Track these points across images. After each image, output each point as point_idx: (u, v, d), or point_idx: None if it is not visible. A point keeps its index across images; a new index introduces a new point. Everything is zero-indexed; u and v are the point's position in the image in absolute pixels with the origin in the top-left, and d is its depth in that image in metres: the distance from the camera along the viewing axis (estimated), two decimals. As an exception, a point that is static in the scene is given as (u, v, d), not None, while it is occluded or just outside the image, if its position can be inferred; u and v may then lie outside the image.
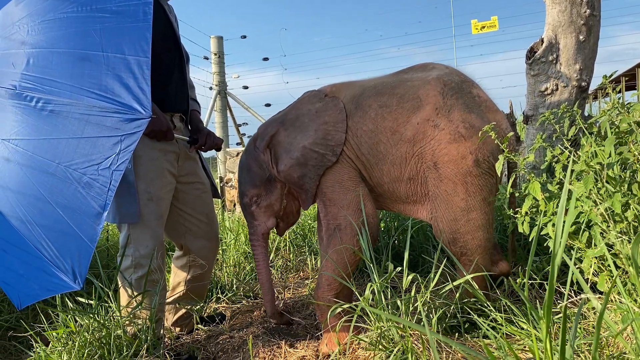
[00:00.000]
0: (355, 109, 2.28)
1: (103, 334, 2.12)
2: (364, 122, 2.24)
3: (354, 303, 2.08)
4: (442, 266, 2.02)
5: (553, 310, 1.79)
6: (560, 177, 1.90)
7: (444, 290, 2.02)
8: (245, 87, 9.79)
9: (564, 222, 0.94)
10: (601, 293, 1.72)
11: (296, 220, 2.63)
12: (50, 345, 2.15)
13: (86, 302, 2.26)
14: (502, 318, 1.82)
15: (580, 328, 1.64)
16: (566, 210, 1.09)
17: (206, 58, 8.72)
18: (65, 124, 1.91)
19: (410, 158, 2.18)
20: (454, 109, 2.14)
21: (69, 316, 2.17)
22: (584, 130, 1.92)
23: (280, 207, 2.48)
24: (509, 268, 2.35)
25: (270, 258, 3.81)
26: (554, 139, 2.34)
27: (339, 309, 2.04)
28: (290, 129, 2.36)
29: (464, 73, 2.32)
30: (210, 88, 8.72)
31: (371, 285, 1.97)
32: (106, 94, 1.87)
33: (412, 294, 1.97)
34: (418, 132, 2.15)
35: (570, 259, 1.28)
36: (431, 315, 1.92)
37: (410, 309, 1.97)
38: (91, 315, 2.14)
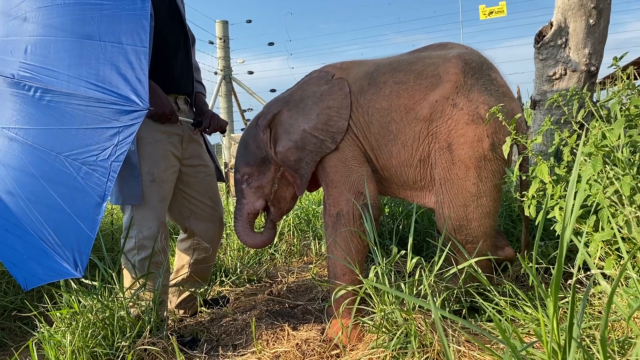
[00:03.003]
0: (369, 86, 2.20)
1: (106, 315, 2.13)
2: (377, 100, 2.16)
3: (357, 285, 2.07)
4: (446, 250, 2.00)
5: (559, 295, 1.78)
6: (568, 160, 1.87)
7: (448, 274, 2.01)
8: (251, 73, 9.76)
9: (575, 196, 0.93)
10: (608, 278, 1.70)
11: (291, 207, 2.57)
12: (54, 325, 2.15)
13: (90, 283, 2.27)
14: (506, 302, 1.81)
15: (586, 313, 1.63)
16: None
17: (211, 42, 8.69)
18: (64, 115, 1.91)
19: (423, 138, 2.10)
20: (474, 89, 2.07)
21: (73, 297, 2.17)
22: (594, 112, 1.89)
23: (271, 191, 2.43)
24: (514, 254, 2.32)
25: (274, 242, 3.81)
26: (562, 121, 2.31)
27: (343, 291, 2.03)
28: (294, 110, 2.31)
29: (483, 55, 2.25)
30: (215, 73, 8.70)
31: (375, 268, 1.96)
32: (104, 85, 1.86)
33: (416, 277, 1.96)
34: (435, 111, 2.07)
35: (579, 241, 1.26)
36: (435, 299, 1.91)
37: (414, 292, 1.96)
38: (95, 296, 2.15)
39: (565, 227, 0.88)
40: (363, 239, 2.17)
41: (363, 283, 1.98)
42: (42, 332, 2.10)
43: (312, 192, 4.56)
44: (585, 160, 1.64)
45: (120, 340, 2.08)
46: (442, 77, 2.09)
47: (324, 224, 2.43)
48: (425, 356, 1.69)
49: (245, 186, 2.43)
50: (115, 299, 2.19)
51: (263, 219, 2.65)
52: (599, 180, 1.62)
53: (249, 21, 9.99)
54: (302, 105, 2.30)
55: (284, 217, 3.98)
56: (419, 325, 1.78)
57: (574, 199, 0.92)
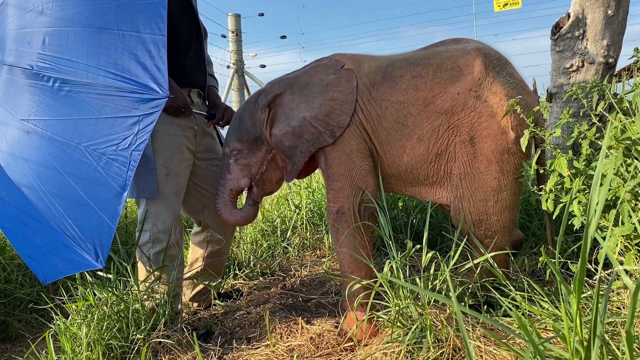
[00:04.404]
0: (383, 79, 2.15)
1: (121, 307, 2.14)
2: (393, 93, 2.11)
3: (372, 280, 2.06)
4: (462, 244, 1.98)
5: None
6: (587, 153, 1.84)
7: (463, 269, 1.99)
8: (263, 66, 9.77)
9: (600, 190, 0.91)
10: (627, 272, 1.67)
11: (274, 190, 2.51)
12: (70, 318, 2.17)
13: (105, 276, 2.28)
14: (522, 297, 1.79)
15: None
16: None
17: (223, 36, 8.69)
18: (83, 105, 1.91)
19: (443, 132, 2.06)
20: (496, 82, 2.02)
21: (88, 290, 2.19)
22: (614, 104, 1.85)
23: (258, 171, 2.37)
24: (523, 235, 2.29)
25: (287, 236, 3.81)
26: (581, 114, 2.27)
27: (357, 285, 2.02)
28: (297, 95, 2.25)
29: (498, 50, 2.21)
30: (228, 66, 8.71)
31: (389, 262, 1.94)
32: (123, 74, 1.85)
33: (431, 272, 1.95)
34: (457, 104, 2.03)
35: (603, 238, 1.23)
36: (450, 294, 1.89)
37: (429, 287, 1.95)
38: (110, 289, 2.16)
39: (589, 223, 0.86)
40: (367, 235, 2.14)
41: (374, 285, 1.97)
42: (58, 325, 2.12)
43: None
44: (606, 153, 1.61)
45: (135, 332, 2.09)
46: (462, 70, 2.05)
47: (328, 221, 2.39)
48: (440, 351, 1.68)
49: (232, 161, 2.38)
50: (130, 291, 2.20)
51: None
52: (619, 173, 1.59)
53: (262, 14, 9.99)
54: (307, 91, 2.24)
55: (298, 211, 3.98)
56: (434, 320, 1.76)
57: (598, 194, 0.90)
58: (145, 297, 2.23)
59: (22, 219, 2.07)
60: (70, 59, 1.92)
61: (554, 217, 1.88)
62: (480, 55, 2.06)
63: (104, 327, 2.07)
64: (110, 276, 2.23)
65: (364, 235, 2.16)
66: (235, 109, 8.67)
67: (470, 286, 2.02)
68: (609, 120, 1.79)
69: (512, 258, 2.16)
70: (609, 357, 1.08)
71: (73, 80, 1.91)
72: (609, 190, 1.59)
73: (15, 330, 2.83)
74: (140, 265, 2.40)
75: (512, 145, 2.00)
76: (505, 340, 1.71)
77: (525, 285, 1.88)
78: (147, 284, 2.26)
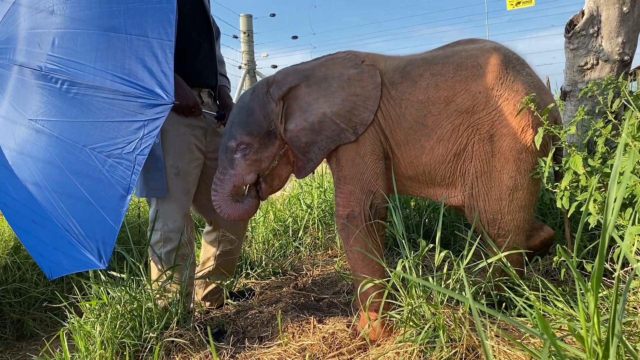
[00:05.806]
0: (402, 78, 2.10)
1: (134, 306, 2.15)
2: (413, 92, 2.06)
3: (385, 279, 2.04)
4: (475, 244, 1.96)
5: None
6: (602, 151, 1.82)
7: (477, 268, 1.97)
8: (274, 67, 9.78)
9: (617, 190, 0.89)
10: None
11: (282, 186, 2.39)
12: (83, 316, 2.19)
13: (118, 275, 2.30)
14: (536, 297, 1.77)
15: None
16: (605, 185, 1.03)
17: (235, 37, 8.72)
18: (90, 107, 1.93)
19: (462, 131, 2.03)
20: (517, 81, 1.99)
21: (102, 288, 2.20)
22: (630, 102, 1.82)
23: (268, 167, 2.25)
24: (553, 232, 2.25)
25: (299, 235, 3.81)
26: (596, 111, 2.24)
27: (369, 285, 2.01)
28: (314, 88, 2.16)
29: (514, 50, 2.19)
30: (240, 67, 8.73)
31: (402, 262, 1.93)
32: (129, 78, 1.87)
33: (445, 271, 1.93)
34: (478, 102, 2.00)
35: (620, 238, 1.21)
36: (464, 293, 1.88)
37: (442, 286, 1.93)
38: (123, 288, 2.17)
39: (607, 221, 0.85)
40: (378, 238, 2.12)
41: (387, 284, 1.95)
42: (72, 323, 2.14)
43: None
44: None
45: (148, 331, 2.10)
46: (483, 68, 2.01)
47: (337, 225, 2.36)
48: (453, 350, 1.66)
49: (239, 156, 2.20)
50: (142, 290, 2.21)
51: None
52: (635, 171, 1.57)
53: (273, 15, 10.02)
54: (325, 85, 2.15)
55: (310, 210, 3.98)
56: (447, 319, 1.75)
57: (616, 191, 0.89)
58: (157, 296, 2.24)
59: (30, 216, 2.09)
60: (79, 62, 1.93)
61: (568, 215, 1.86)
62: (500, 55, 2.03)
63: (117, 326, 2.08)
64: (124, 275, 2.25)
65: (376, 238, 2.14)
66: (246, 109, 8.46)
67: (484, 286, 2.00)
68: (624, 118, 1.77)
69: (527, 258, 2.14)
70: (627, 357, 1.06)
71: (80, 83, 1.93)
72: (626, 188, 1.57)
73: (30, 329, 2.86)
74: (152, 264, 2.42)
75: (530, 144, 1.97)
76: (519, 340, 1.69)
77: (540, 284, 1.86)
78: (159, 283, 2.27)
